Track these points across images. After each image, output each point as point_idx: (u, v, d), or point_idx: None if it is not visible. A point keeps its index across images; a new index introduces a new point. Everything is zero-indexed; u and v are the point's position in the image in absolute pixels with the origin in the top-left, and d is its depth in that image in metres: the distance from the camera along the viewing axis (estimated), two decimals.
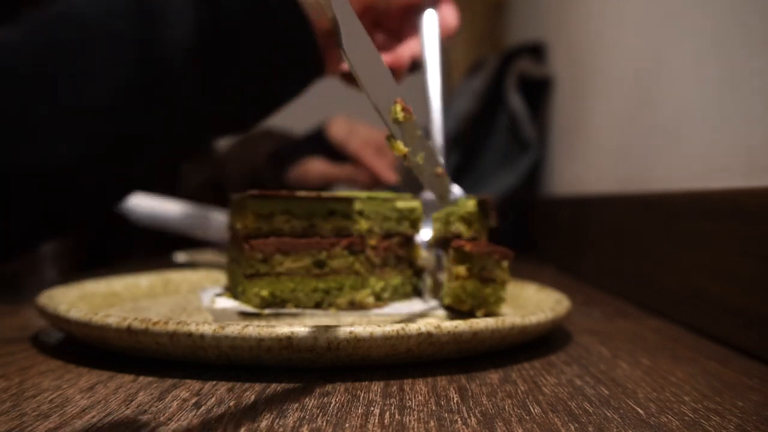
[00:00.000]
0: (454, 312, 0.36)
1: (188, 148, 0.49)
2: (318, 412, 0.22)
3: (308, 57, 0.42)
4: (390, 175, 0.89)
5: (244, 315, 0.35)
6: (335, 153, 0.90)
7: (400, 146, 0.30)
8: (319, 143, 0.91)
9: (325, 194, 0.37)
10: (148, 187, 0.52)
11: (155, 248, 0.82)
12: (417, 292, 0.41)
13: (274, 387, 0.25)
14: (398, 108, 0.29)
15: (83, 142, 0.41)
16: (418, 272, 0.41)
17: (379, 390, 0.25)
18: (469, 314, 0.35)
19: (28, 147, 0.41)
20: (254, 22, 0.42)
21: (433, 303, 0.39)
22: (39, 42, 0.41)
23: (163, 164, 0.49)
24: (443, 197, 0.34)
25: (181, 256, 0.70)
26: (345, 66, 0.44)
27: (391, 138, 0.30)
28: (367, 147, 0.89)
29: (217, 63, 0.42)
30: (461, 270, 0.34)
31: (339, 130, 0.91)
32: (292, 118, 0.74)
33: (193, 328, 0.26)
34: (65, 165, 0.41)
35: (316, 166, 0.90)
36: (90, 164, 0.42)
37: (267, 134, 0.96)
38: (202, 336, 0.26)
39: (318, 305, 0.37)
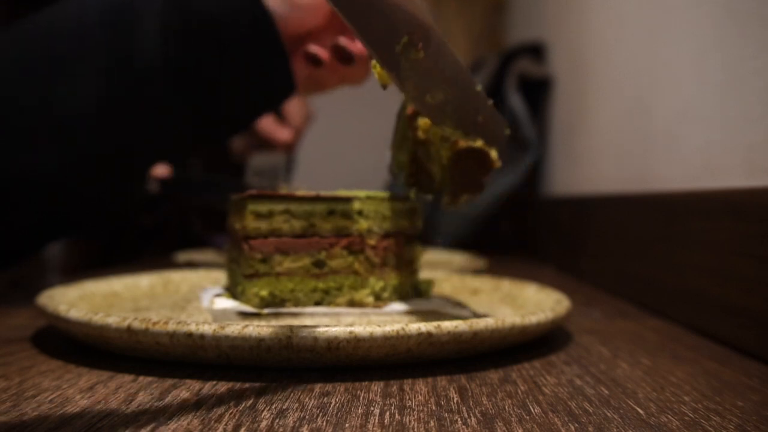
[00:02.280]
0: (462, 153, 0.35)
1: (173, 155, 0.49)
2: (318, 412, 0.22)
3: (279, 67, 0.43)
4: (282, 134, 0.80)
5: (244, 315, 0.35)
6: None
7: (384, 74, 0.29)
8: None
9: (324, 194, 0.37)
10: (138, 192, 0.52)
11: (164, 250, 0.82)
12: (417, 292, 0.41)
13: (274, 387, 0.25)
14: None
15: (66, 150, 0.42)
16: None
17: (379, 390, 0.25)
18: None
19: (10, 153, 0.41)
20: (223, 30, 0.42)
21: (433, 303, 0.39)
22: (11, 54, 0.41)
23: (149, 170, 0.49)
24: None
25: (181, 256, 0.70)
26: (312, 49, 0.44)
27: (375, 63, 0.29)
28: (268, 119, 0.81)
29: (188, 72, 0.42)
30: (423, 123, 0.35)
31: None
32: None
33: (193, 328, 0.26)
34: (52, 172, 0.42)
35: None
36: (78, 171, 0.43)
37: None
38: (202, 336, 0.26)
39: (317, 305, 0.37)
